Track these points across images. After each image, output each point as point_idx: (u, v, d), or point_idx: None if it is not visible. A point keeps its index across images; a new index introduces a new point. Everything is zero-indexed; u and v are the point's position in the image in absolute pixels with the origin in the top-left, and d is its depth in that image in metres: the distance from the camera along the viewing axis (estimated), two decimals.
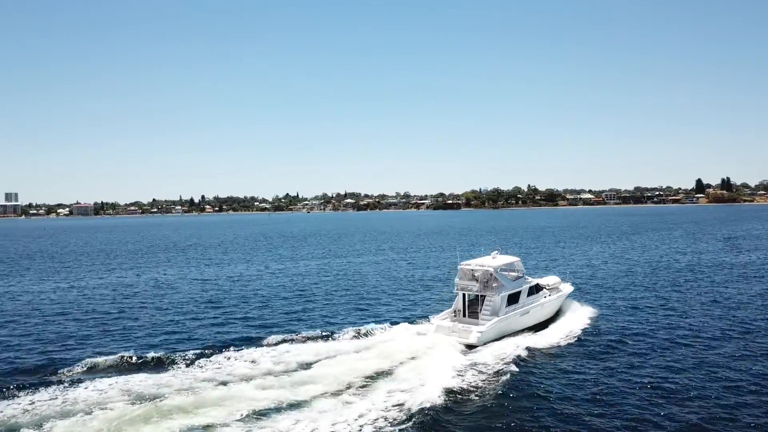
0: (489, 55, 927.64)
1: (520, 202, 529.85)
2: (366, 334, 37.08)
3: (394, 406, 25.12)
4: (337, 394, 26.72)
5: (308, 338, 36.72)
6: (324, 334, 37.80)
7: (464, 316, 37.87)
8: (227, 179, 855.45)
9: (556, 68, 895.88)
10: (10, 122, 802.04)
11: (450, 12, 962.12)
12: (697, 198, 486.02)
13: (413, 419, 23.50)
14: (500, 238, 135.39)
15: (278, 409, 24.77)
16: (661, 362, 31.33)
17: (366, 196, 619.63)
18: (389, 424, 23.23)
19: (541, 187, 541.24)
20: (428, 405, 24.73)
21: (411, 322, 40.42)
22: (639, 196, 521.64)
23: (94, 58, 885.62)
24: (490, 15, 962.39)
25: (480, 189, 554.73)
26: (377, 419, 23.75)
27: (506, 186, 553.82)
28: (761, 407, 24.81)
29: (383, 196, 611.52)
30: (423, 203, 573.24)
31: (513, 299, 37.90)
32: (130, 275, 74.78)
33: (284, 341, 36.04)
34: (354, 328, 38.85)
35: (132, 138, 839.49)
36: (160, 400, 25.17)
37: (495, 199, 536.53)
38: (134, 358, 32.88)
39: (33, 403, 25.69)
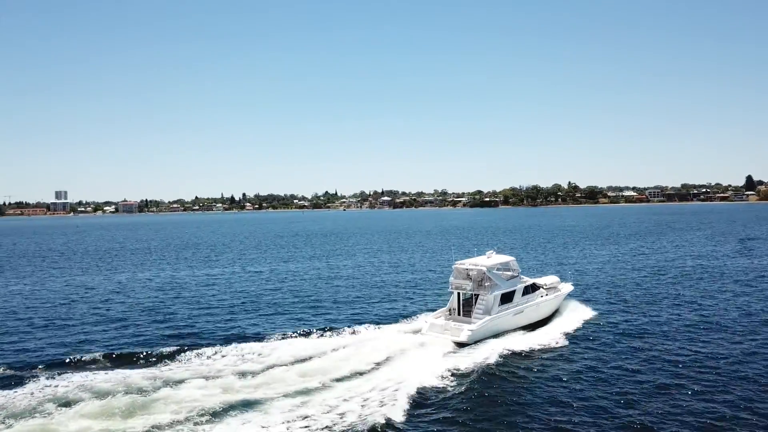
0: (528, 54, 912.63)
1: (559, 199, 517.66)
2: (358, 333, 37.66)
3: (376, 400, 25.65)
4: (319, 389, 27.28)
5: (292, 336, 37.38)
6: (314, 331, 38.40)
7: (459, 314, 38.15)
8: (269, 177, 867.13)
9: (598, 66, 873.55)
10: (63, 121, 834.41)
11: (490, 11, 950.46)
12: (747, 195, 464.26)
13: (392, 415, 23.97)
14: (511, 238, 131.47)
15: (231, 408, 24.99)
16: (646, 366, 30.86)
17: (403, 193, 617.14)
18: (368, 420, 23.49)
19: (583, 185, 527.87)
20: (408, 401, 25.46)
21: (406, 320, 41.36)
22: (684, 193, 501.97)
23: (132, 57, 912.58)
24: (521, 15, 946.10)
25: (520, 186, 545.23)
26: (356, 414, 24.26)
27: (546, 183, 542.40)
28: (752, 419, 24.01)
29: (420, 194, 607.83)
30: (460, 201, 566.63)
31: (506, 298, 37.85)
32: (99, 276, 73.79)
33: (265, 339, 36.88)
34: (346, 326, 39.53)
35: (177, 136, 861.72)
36: None
37: (534, 196, 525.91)
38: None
39: None
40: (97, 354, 34.15)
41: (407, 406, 25.07)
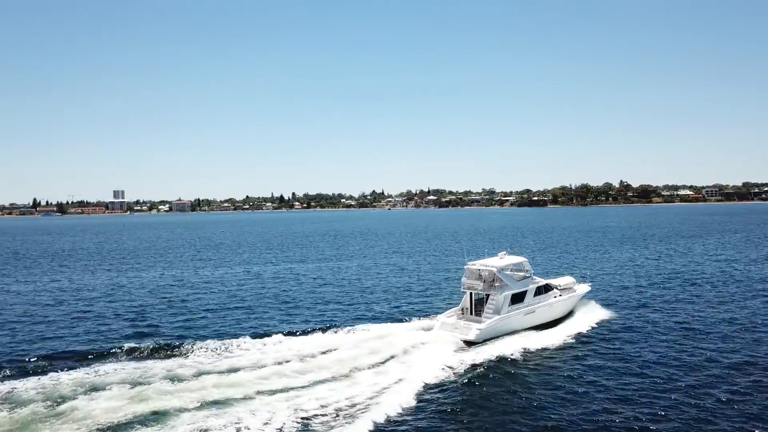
0: (578, 54, 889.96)
1: (610, 198, 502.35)
2: (369, 330, 38.40)
3: (377, 395, 26.81)
4: (323, 382, 28.72)
5: (306, 332, 38.90)
6: (318, 329, 39.82)
7: (471, 314, 38.94)
8: (319, 176, 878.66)
9: (647, 62, 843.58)
10: (124, 122, 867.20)
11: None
12: None
13: (389, 410, 24.99)
14: (538, 239, 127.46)
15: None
16: (653, 369, 30.58)
17: (450, 192, 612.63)
18: (366, 414, 24.54)
19: (636, 183, 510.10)
20: (409, 397, 26.57)
21: (418, 319, 42.44)
22: (745, 192, 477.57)
23: (175, 58, 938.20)
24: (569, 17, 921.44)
25: (570, 185, 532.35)
26: (354, 407, 25.50)
27: (599, 182, 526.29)
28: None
29: (467, 193, 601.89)
30: (507, 200, 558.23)
31: (517, 299, 38.41)
32: (102, 276, 74.84)
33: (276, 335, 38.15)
34: (357, 324, 40.41)
35: (229, 137, 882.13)
36: None
37: (583, 195, 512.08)
38: None
39: None
40: (40, 355, 34.82)
41: (408, 402, 26.08)
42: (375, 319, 42.85)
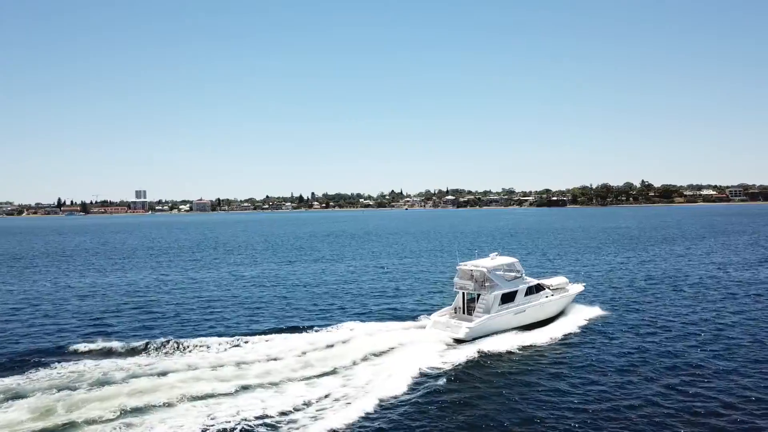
0: (599, 54, 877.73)
1: (631, 198, 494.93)
2: (359, 328, 39.04)
3: (363, 390, 27.62)
4: (318, 376, 29.66)
5: (297, 330, 39.81)
6: (307, 328, 40.43)
7: (463, 313, 39.77)
8: (339, 176, 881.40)
9: (672, 57, 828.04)
10: (143, 122, 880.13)
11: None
12: None
13: (377, 404, 25.73)
14: (539, 241, 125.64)
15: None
16: (640, 370, 30.59)
17: (469, 192, 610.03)
18: (346, 411, 24.94)
19: (660, 183, 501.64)
20: (392, 393, 27.18)
21: (412, 318, 43.16)
22: None
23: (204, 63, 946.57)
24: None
25: (590, 185, 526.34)
26: (344, 401, 26.19)
27: (621, 182, 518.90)
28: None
29: (487, 193, 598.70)
30: (526, 200, 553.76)
31: (508, 298, 39.17)
32: (88, 276, 75.58)
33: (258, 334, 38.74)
34: (345, 322, 41.12)
35: (251, 137, 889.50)
36: None
37: (604, 195, 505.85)
38: None
39: None
40: None
41: (384, 398, 26.60)
42: (362, 319, 42.98)
